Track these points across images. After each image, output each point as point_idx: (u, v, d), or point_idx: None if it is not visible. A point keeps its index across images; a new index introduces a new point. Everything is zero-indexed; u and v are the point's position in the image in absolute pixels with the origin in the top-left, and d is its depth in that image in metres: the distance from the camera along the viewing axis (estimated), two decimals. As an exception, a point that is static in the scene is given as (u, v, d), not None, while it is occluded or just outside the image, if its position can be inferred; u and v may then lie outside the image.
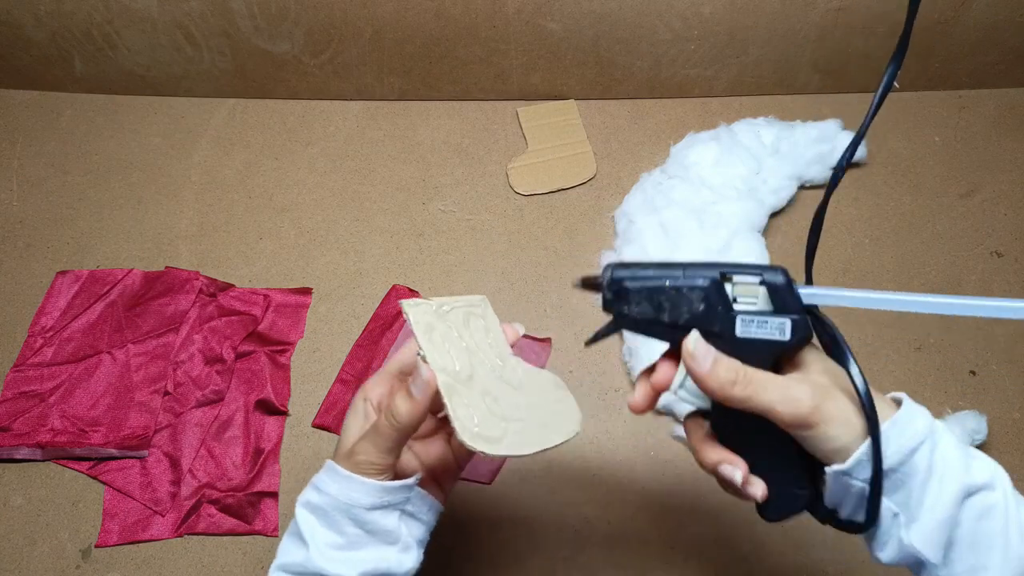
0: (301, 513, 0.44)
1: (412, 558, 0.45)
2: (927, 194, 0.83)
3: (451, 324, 0.46)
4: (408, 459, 0.48)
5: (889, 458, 0.35)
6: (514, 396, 0.46)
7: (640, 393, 0.43)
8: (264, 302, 0.76)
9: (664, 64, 0.87)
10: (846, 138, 0.81)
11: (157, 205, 0.83)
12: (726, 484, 0.41)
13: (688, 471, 0.66)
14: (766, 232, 0.77)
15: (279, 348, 0.73)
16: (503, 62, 0.87)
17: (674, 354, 0.43)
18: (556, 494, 0.65)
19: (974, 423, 0.65)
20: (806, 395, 0.36)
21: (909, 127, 0.88)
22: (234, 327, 0.74)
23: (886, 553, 0.38)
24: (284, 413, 0.70)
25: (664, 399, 0.50)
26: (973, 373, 0.71)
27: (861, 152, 0.84)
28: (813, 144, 0.80)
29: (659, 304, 0.40)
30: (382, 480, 0.43)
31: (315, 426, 0.69)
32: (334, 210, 0.83)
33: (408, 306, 0.44)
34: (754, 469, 0.40)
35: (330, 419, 0.69)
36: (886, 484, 0.36)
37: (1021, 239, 0.79)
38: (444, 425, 0.50)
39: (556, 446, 0.45)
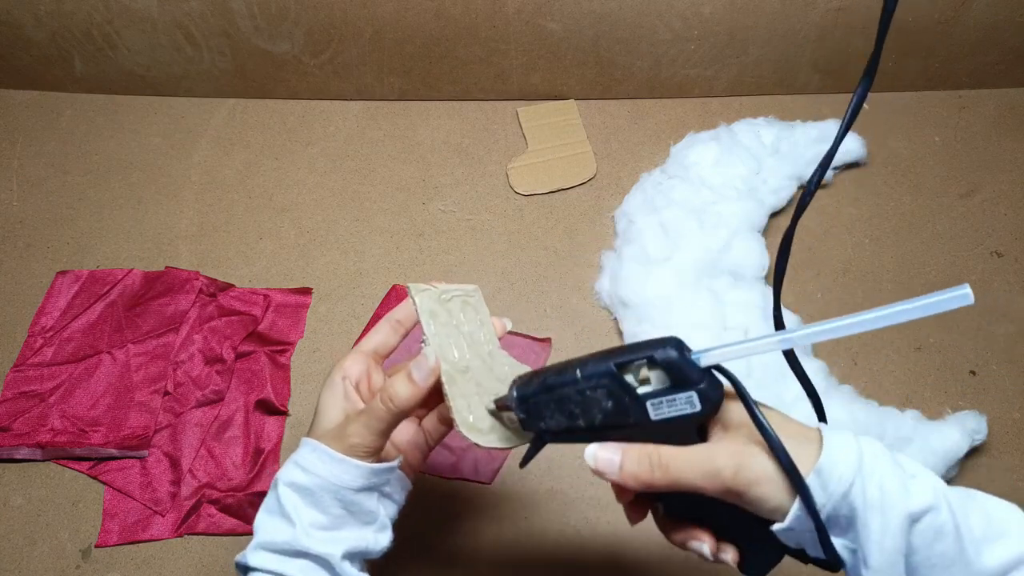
0: (285, 492, 0.43)
1: (387, 536, 0.46)
2: (927, 194, 0.83)
3: (451, 312, 0.47)
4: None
5: (824, 509, 0.34)
6: (501, 389, 0.46)
7: (626, 504, 0.43)
8: (264, 302, 0.76)
9: (664, 64, 0.87)
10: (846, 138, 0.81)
11: (157, 205, 0.83)
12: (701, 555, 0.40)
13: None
14: (766, 232, 0.77)
15: (279, 348, 0.73)
16: (503, 62, 0.87)
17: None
18: (556, 494, 0.65)
19: (974, 423, 0.65)
20: (726, 463, 0.36)
21: (909, 127, 0.88)
22: (234, 327, 0.74)
23: None
24: (284, 413, 0.70)
25: None
26: (973, 373, 0.71)
27: (861, 152, 0.84)
28: (813, 144, 0.81)
29: (571, 412, 0.39)
30: (370, 463, 0.44)
31: (315, 426, 0.69)
32: (334, 210, 0.83)
33: (415, 291, 0.45)
34: (722, 533, 0.40)
35: (330, 419, 0.69)
36: (832, 529, 0.35)
37: (1021, 239, 0.79)
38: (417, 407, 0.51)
39: None
